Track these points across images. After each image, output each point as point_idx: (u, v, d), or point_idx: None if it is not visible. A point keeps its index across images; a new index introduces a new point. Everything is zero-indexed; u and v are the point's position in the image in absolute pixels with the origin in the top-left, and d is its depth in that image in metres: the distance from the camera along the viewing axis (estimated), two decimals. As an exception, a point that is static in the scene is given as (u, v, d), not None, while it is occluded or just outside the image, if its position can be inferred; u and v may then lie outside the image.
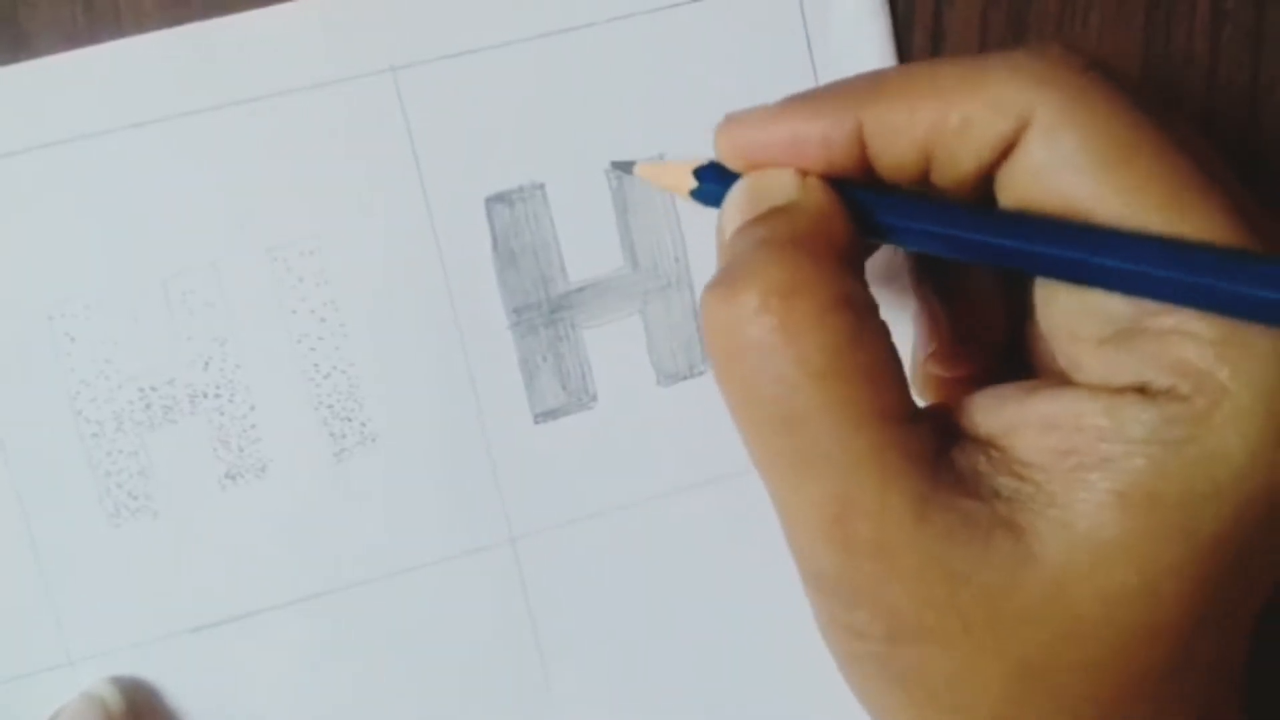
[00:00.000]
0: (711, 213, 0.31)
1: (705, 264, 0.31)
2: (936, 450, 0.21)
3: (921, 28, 0.32)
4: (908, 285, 0.30)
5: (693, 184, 0.26)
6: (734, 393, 0.22)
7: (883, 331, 0.22)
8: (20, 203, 0.29)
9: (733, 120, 0.24)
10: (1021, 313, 0.26)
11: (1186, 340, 0.20)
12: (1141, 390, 0.20)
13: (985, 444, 0.21)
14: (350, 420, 0.30)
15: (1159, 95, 0.23)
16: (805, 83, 0.31)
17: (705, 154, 0.31)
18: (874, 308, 0.22)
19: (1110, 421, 0.20)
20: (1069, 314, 0.22)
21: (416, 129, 0.30)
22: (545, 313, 0.31)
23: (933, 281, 0.28)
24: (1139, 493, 0.20)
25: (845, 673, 0.23)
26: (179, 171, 0.29)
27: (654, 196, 0.31)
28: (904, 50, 0.32)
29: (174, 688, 0.30)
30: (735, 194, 0.24)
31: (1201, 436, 0.19)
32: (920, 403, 0.23)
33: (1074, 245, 0.21)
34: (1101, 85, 0.21)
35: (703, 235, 0.31)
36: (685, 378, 0.31)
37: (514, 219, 0.31)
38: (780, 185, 0.23)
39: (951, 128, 0.22)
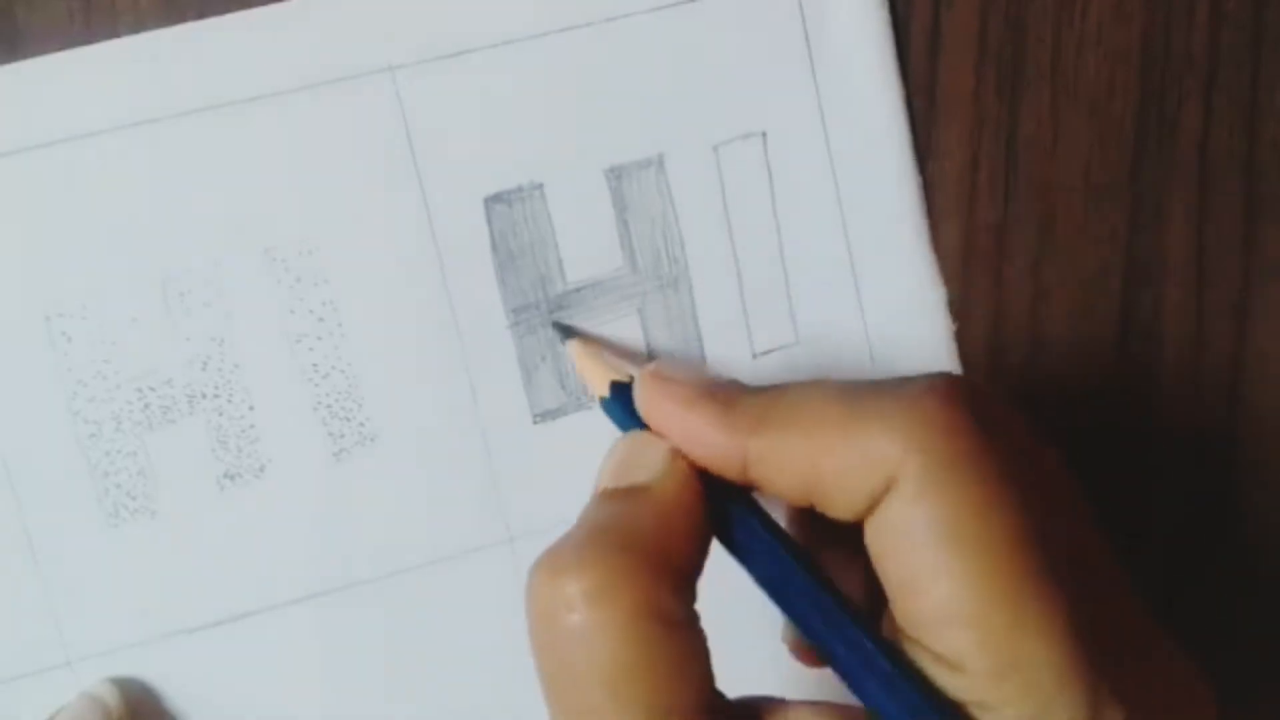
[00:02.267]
0: (710, 214, 0.31)
1: (704, 263, 0.31)
2: None
3: (920, 28, 0.32)
4: None
5: (605, 394, 0.27)
6: (540, 666, 0.23)
7: (686, 647, 0.22)
8: (17, 203, 0.29)
9: (656, 380, 0.25)
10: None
11: None
12: None
13: None
14: (349, 420, 0.30)
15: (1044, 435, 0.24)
16: (804, 84, 0.31)
17: (704, 157, 0.31)
18: (685, 620, 0.22)
19: None
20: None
21: (415, 129, 0.30)
22: (544, 313, 0.31)
23: None
24: None
25: None
26: (176, 172, 0.29)
27: (653, 197, 0.31)
28: (903, 50, 0.32)
29: (173, 688, 0.30)
30: (612, 451, 0.25)
31: None
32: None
33: (845, 654, 0.22)
34: (969, 454, 0.21)
35: (702, 235, 0.31)
36: (684, 378, 0.31)
37: (513, 219, 0.30)
38: (649, 461, 0.24)
39: (827, 474, 0.22)
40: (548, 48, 0.30)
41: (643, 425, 0.25)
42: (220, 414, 0.30)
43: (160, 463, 0.30)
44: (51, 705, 0.29)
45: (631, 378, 0.26)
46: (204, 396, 0.30)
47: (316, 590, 0.31)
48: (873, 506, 0.22)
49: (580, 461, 0.31)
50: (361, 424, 0.30)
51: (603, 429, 0.31)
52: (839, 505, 0.22)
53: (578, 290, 0.31)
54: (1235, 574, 0.36)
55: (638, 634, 0.21)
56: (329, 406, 0.30)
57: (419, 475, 0.31)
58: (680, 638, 0.22)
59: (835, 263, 0.32)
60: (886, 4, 0.31)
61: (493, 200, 0.30)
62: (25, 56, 0.29)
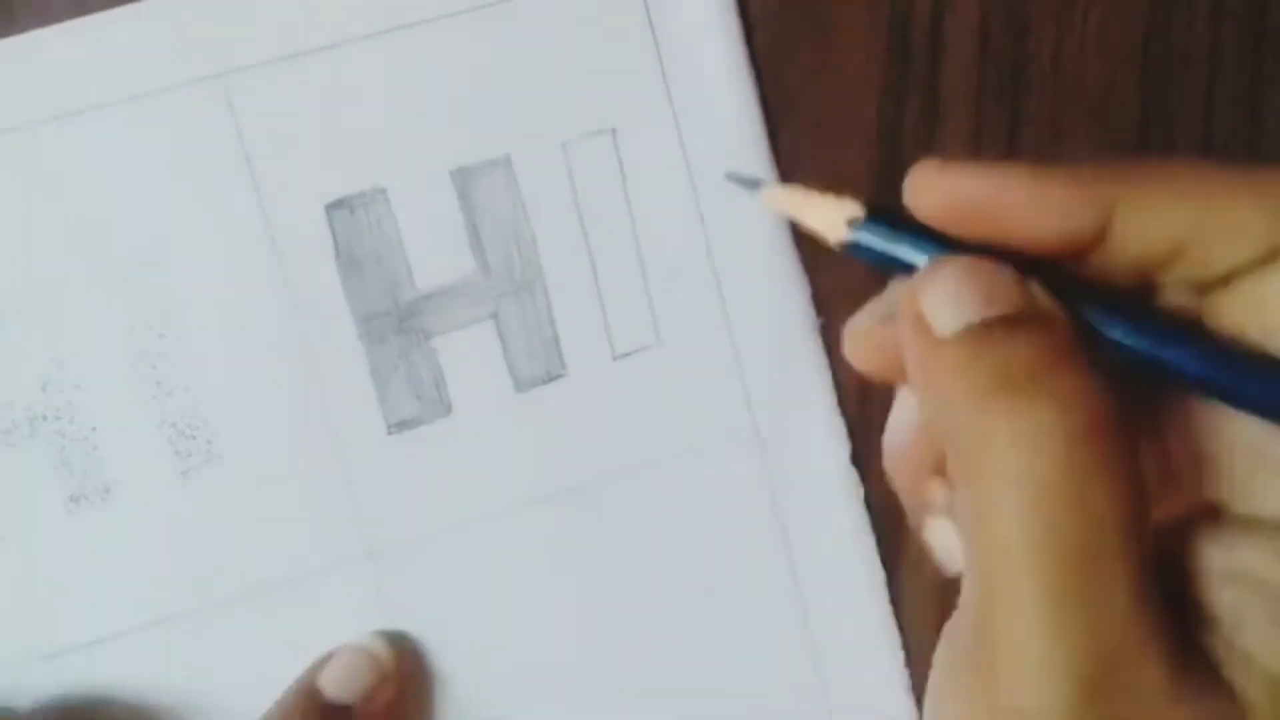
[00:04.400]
0: (562, 214, 0.30)
1: (559, 265, 0.30)
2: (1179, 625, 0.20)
3: (921, 28, 0.31)
4: None
5: (844, 235, 0.20)
6: (1016, 510, 0.19)
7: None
8: None
9: (950, 167, 0.20)
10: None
11: None
12: None
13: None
14: (195, 439, 0.30)
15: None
16: (652, 79, 0.30)
17: (553, 155, 0.30)
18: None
19: None
20: (1255, 438, 0.20)
21: (249, 136, 0.29)
22: (395, 320, 0.30)
23: None
24: None
25: None
26: (8, 187, 0.28)
27: (501, 198, 0.30)
28: (905, 50, 0.31)
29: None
30: (955, 283, 0.20)
31: None
32: None
33: None
34: None
35: (555, 234, 0.30)
36: (543, 383, 0.31)
37: (356, 225, 0.30)
38: (1007, 289, 0.20)
39: (1217, 228, 0.20)
40: (383, 48, 0.29)
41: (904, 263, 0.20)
42: (62, 435, 0.29)
43: (2, 487, 0.29)
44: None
45: (869, 205, 0.20)
46: (45, 419, 0.29)
47: (170, 614, 0.30)
48: (1230, 277, 0.20)
49: (438, 472, 0.31)
50: (209, 441, 0.30)
51: (460, 439, 0.30)
52: (1219, 262, 0.20)
53: (428, 297, 0.30)
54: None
55: (1133, 467, 0.19)
56: (173, 424, 0.29)
57: (270, 493, 0.30)
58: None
59: (694, 260, 0.31)
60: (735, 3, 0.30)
61: (334, 207, 0.30)
62: None
